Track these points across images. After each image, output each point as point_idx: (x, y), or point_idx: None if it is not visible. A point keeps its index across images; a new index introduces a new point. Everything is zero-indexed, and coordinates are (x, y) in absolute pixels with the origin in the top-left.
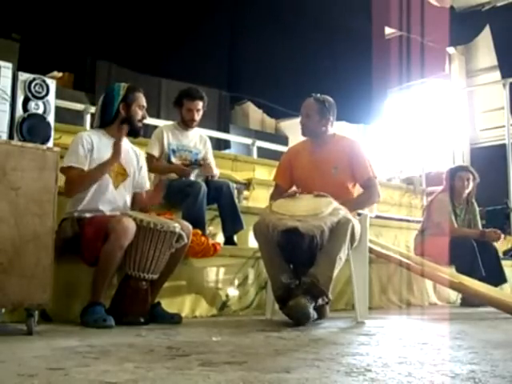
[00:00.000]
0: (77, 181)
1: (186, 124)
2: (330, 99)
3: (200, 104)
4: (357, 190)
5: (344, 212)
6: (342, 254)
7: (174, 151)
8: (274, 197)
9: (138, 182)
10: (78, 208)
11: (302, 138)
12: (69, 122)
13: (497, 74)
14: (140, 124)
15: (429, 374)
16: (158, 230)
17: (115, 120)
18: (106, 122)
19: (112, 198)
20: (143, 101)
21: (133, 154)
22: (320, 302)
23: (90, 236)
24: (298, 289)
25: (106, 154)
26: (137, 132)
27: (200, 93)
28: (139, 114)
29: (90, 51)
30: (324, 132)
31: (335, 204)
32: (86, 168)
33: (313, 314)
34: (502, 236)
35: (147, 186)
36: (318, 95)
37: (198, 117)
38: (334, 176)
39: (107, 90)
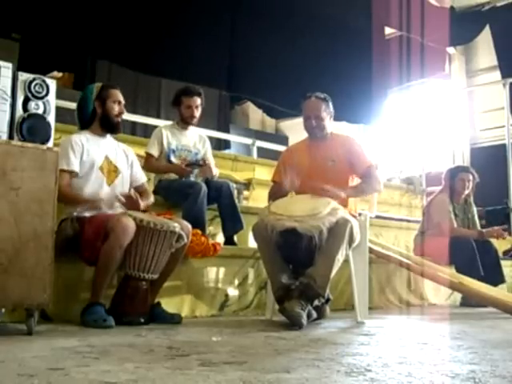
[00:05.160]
0: (65, 193)
1: (186, 121)
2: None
3: (198, 100)
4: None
5: (343, 212)
6: (340, 255)
7: (173, 151)
8: (272, 192)
9: (134, 176)
10: (77, 208)
11: (302, 138)
12: (69, 122)
13: (497, 74)
14: (117, 119)
15: (429, 374)
16: (158, 229)
17: (94, 119)
18: (85, 122)
19: (107, 195)
20: (119, 96)
21: (121, 150)
22: (316, 303)
23: (89, 235)
24: (295, 290)
25: (96, 154)
26: (114, 127)
27: (197, 89)
28: (115, 109)
29: (90, 51)
30: (327, 129)
31: (333, 204)
32: (77, 170)
33: (312, 314)
34: (503, 231)
35: (144, 178)
36: (317, 93)
37: (197, 113)
38: (331, 168)
39: (82, 91)
